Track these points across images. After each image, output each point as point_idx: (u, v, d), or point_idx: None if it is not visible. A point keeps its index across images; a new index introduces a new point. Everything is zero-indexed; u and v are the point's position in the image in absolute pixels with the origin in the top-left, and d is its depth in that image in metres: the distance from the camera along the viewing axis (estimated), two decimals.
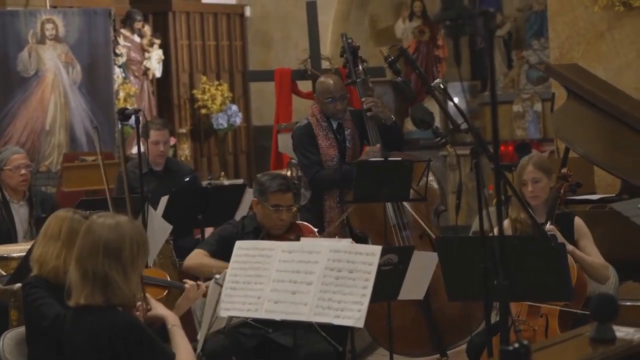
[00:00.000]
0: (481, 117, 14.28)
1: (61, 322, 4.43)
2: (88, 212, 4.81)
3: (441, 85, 5.40)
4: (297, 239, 5.76)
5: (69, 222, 4.67)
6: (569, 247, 5.60)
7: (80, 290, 3.95)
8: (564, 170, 6.00)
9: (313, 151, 7.02)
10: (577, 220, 5.77)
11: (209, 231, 7.07)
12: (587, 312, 4.67)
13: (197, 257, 5.88)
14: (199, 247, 6.00)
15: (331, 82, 7.09)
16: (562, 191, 5.84)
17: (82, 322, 3.95)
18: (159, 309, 4.16)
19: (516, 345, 3.07)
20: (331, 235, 6.61)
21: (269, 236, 5.81)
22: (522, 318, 5.36)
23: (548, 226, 5.56)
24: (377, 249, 4.49)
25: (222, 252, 5.72)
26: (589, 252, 5.65)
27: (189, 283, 4.87)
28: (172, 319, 4.14)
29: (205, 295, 4.86)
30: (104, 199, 6.89)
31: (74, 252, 4.22)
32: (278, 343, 5.58)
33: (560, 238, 5.52)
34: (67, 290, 4.04)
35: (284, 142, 9.37)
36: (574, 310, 5.35)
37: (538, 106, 13.91)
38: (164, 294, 5.27)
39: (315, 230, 6.19)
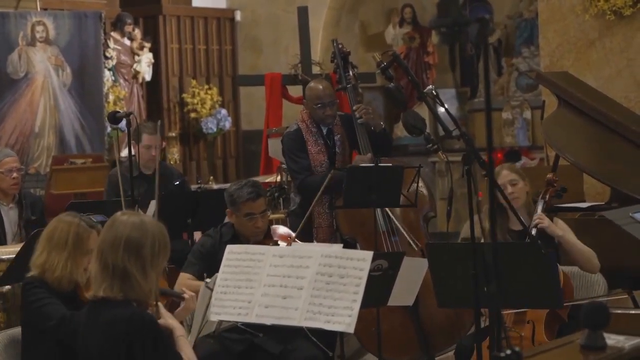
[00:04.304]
0: (470, 123, 14.28)
1: (67, 324, 4.42)
2: (90, 217, 4.80)
3: (433, 92, 5.39)
4: (276, 245, 5.76)
5: (75, 229, 4.61)
6: (559, 231, 5.62)
7: (99, 282, 3.97)
8: (549, 176, 6.00)
9: (302, 156, 6.99)
10: (555, 220, 5.79)
11: (198, 235, 7.05)
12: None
13: (184, 283, 5.67)
14: (183, 271, 5.88)
15: (321, 87, 7.04)
16: (547, 196, 5.85)
17: (99, 314, 3.96)
18: (168, 319, 4.17)
19: (508, 352, 3.08)
20: (321, 240, 6.60)
21: (248, 243, 5.75)
22: (508, 325, 5.36)
23: (538, 213, 5.61)
24: (369, 254, 4.49)
25: (206, 268, 5.64)
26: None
27: (188, 293, 4.83)
28: (180, 330, 4.16)
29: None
30: (94, 202, 6.88)
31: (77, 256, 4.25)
32: (265, 349, 5.57)
33: (549, 223, 5.56)
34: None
35: (274, 147, 9.37)
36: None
37: (527, 114, 13.91)
38: (164, 303, 5.22)
39: (293, 234, 6.17)
